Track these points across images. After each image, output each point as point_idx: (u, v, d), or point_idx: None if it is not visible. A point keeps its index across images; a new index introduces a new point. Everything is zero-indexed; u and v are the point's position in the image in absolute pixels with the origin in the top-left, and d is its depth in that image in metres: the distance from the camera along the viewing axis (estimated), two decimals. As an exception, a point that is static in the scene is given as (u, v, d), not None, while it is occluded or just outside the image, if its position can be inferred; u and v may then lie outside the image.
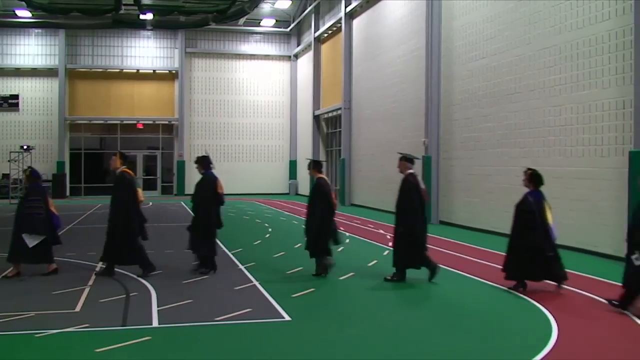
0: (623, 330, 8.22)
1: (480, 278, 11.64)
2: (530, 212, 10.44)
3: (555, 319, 8.62)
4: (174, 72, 40.86)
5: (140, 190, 12.03)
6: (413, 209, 11.30)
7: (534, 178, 10.77)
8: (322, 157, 36.97)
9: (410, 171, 11.57)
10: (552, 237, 10.51)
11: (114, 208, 11.97)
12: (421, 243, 11.37)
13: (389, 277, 11.41)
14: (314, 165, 12.33)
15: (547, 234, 10.43)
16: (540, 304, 9.52)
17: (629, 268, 9.08)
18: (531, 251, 10.35)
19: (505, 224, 17.82)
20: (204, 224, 12.16)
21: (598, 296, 9.99)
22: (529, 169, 10.96)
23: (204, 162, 12.59)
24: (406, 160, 11.74)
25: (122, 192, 11.91)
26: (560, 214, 15.32)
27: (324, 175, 12.31)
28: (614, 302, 9.28)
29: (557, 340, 7.61)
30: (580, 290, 10.60)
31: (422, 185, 11.61)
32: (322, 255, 11.91)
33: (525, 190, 10.78)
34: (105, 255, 11.84)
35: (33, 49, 39.39)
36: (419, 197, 11.40)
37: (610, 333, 8.09)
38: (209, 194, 12.31)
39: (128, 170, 12.15)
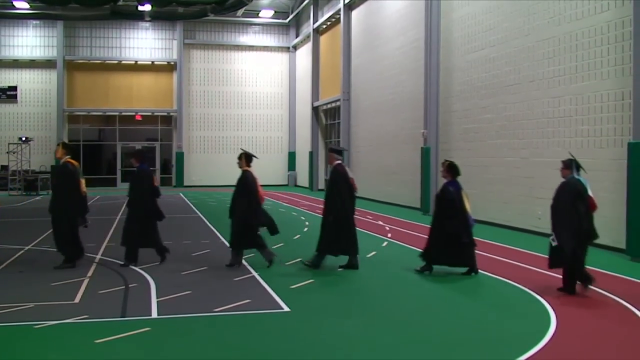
0: (621, 319, 8.23)
1: (480, 269, 11.64)
2: (450, 201, 11.10)
3: (553, 310, 8.64)
4: (172, 63, 40.81)
5: (83, 181, 11.97)
6: (342, 199, 11.55)
7: (451, 169, 11.46)
8: (320, 148, 36.95)
9: (338, 162, 11.79)
10: (470, 225, 11.13)
11: (56, 198, 11.91)
12: (352, 232, 11.70)
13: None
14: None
15: (465, 222, 11.05)
16: (538, 295, 9.53)
17: (549, 249, 9.84)
18: (450, 237, 10.94)
19: (503, 215, 17.89)
20: (139, 217, 12.00)
21: (596, 287, 10.00)
22: (447, 160, 11.73)
23: (139, 156, 12.38)
24: (333, 152, 12.03)
25: (65, 182, 11.85)
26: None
27: (249, 168, 12.24)
28: (560, 288, 9.78)
29: (555, 330, 7.63)
30: (578, 281, 10.59)
31: (351, 175, 11.80)
32: (242, 249, 11.99)
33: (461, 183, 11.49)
34: (56, 245, 11.93)
35: (31, 41, 39.34)
36: (349, 186, 11.64)
37: (609, 322, 8.11)
38: (145, 187, 12.08)
39: (72, 161, 12.11)
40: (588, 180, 9.95)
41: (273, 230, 12.16)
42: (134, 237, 11.98)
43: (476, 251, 11.30)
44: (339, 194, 11.59)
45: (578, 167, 10.15)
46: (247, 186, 11.91)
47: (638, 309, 8.68)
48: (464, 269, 11.24)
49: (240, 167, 12.25)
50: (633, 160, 12.85)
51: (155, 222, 12.32)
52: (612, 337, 7.51)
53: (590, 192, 9.83)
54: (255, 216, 11.86)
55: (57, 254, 11.97)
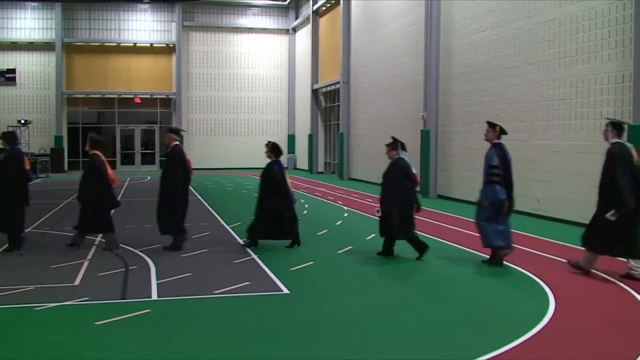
0: (619, 300, 8.26)
1: (478, 251, 11.66)
2: (275, 179, 11.87)
3: (552, 292, 8.66)
4: (171, 45, 40.68)
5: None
6: (174, 178, 11.66)
7: (275, 149, 12.19)
8: (320, 131, 36.91)
9: (176, 143, 11.91)
10: (292, 201, 12.05)
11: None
12: (181, 213, 11.83)
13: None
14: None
15: (288, 198, 11.94)
16: (538, 278, 9.55)
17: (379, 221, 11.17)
18: (274, 213, 11.75)
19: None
20: (9, 201, 11.56)
21: (595, 269, 10.02)
22: (270, 141, 12.38)
23: (9, 137, 11.91)
24: (171, 132, 12.14)
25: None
26: (559, 187, 15.36)
27: (98, 152, 11.97)
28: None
29: (554, 312, 7.65)
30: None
31: (188, 157, 11.92)
32: (88, 232, 12.01)
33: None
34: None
35: (30, 23, 39.19)
36: (184, 168, 11.78)
37: (608, 305, 8.13)
38: (14, 171, 11.56)
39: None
40: (412, 160, 11.32)
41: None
42: (17, 222, 11.73)
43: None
44: (174, 174, 11.67)
45: (403, 147, 11.40)
46: (94, 169, 11.80)
47: (635, 290, 8.70)
48: (287, 242, 12.05)
49: (87, 150, 12.11)
50: (633, 142, 12.79)
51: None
52: (610, 318, 7.53)
53: (414, 170, 11.18)
54: (106, 199, 11.84)
55: (57, 237, 11.97)
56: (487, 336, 6.83)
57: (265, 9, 42.12)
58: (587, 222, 14.56)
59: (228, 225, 14.96)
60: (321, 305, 8.13)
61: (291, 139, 42.16)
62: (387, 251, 11.29)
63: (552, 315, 7.54)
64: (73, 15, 39.61)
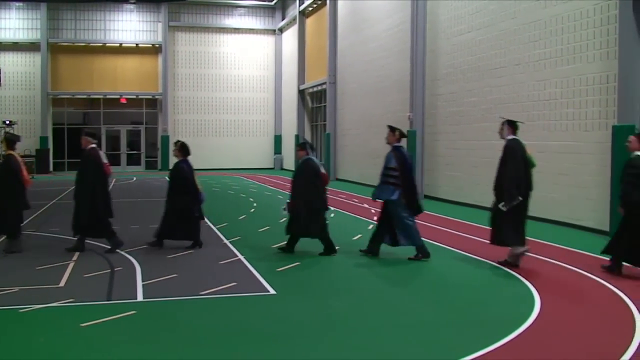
0: (605, 301, 8.31)
1: (464, 251, 11.70)
2: (184, 179, 11.90)
3: (537, 291, 8.70)
4: (157, 46, 40.54)
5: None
6: (90, 181, 11.55)
7: (183, 148, 12.22)
8: (306, 132, 36.92)
9: (92, 145, 11.85)
10: (201, 200, 12.11)
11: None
12: (104, 214, 11.72)
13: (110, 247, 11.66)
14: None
15: (197, 198, 12.00)
16: (523, 277, 9.59)
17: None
18: (182, 212, 11.80)
19: (489, 198, 17.90)
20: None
21: (580, 269, 10.09)
22: (178, 140, 12.54)
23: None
24: (87, 135, 12.05)
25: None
26: (544, 187, 15.42)
27: (13, 152, 11.95)
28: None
29: (540, 311, 7.70)
30: (563, 263, 10.69)
31: (105, 160, 11.83)
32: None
33: None
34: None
35: (14, 23, 38.94)
36: (101, 171, 11.69)
37: (593, 303, 8.18)
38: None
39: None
40: (322, 160, 11.14)
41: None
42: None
43: (466, 234, 11.31)
44: (87, 177, 11.55)
45: (311, 148, 11.82)
46: (9, 171, 11.74)
47: (620, 290, 8.76)
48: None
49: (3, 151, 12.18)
50: (618, 143, 12.90)
51: None
52: (596, 316, 7.58)
53: (322, 170, 11.62)
54: (19, 200, 11.83)
55: (42, 238, 11.92)
56: (473, 336, 6.84)
57: (252, 9, 42.07)
58: (571, 222, 14.70)
59: (214, 226, 14.92)
60: (307, 306, 8.13)
61: (277, 139, 42.11)
62: (290, 247, 11.58)
63: (538, 315, 7.57)
64: (58, 15, 39.40)
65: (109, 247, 11.63)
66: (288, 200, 11.59)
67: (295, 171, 11.74)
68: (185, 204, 11.81)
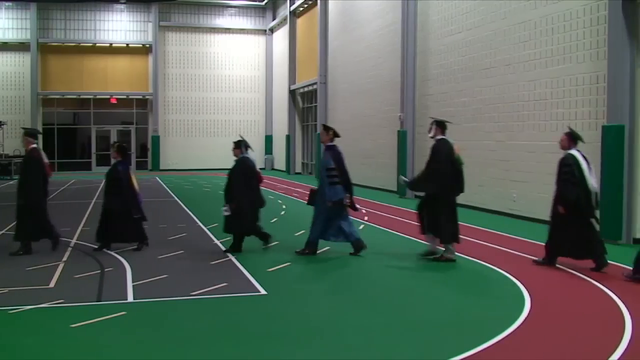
0: (596, 301, 8.34)
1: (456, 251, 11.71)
2: (118, 180, 11.71)
3: (528, 291, 8.72)
4: (147, 46, 40.46)
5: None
6: (36, 183, 11.51)
7: (121, 150, 12.10)
8: (297, 132, 36.91)
9: (33, 146, 11.81)
10: (139, 201, 11.98)
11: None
12: (42, 213, 11.71)
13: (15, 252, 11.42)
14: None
15: (134, 199, 11.86)
16: (514, 277, 9.61)
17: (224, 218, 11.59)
18: (119, 214, 11.57)
19: (479, 198, 17.98)
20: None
21: (570, 269, 10.12)
22: (115, 142, 12.55)
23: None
24: (29, 135, 12.00)
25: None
26: (535, 187, 15.47)
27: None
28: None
29: (530, 310, 7.73)
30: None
31: (46, 160, 11.81)
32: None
33: None
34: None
35: (4, 23, 38.81)
36: (43, 172, 11.63)
37: (583, 303, 8.21)
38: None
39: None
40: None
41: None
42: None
43: (463, 236, 11.32)
44: (33, 179, 11.47)
45: (247, 146, 11.89)
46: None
47: (610, 290, 8.79)
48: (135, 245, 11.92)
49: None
50: (607, 143, 12.96)
51: None
52: (585, 319, 7.60)
53: (258, 168, 11.90)
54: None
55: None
56: (463, 336, 6.85)
57: (243, 9, 42.02)
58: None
59: (205, 226, 14.90)
60: (298, 306, 8.12)
61: (268, 139, 42.09)
62: (238, 247, 11.62)
63: (528, 314, 7.59)
64: (48, 15, 39.26)
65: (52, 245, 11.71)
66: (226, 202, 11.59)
67: (231, 170, 11.80)
68: (120, 205, 11.60)
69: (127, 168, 12.03)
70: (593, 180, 10.15)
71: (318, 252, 11.63)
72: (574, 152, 10.25)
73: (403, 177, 10.83)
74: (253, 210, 11.66)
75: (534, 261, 10.65)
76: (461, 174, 10.90)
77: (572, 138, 10.40)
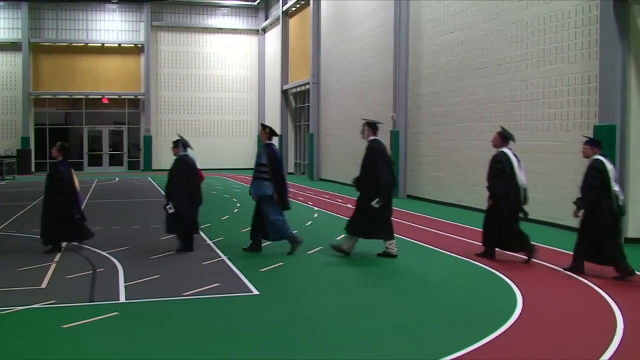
0: (587, 299, 8.37)
1: (447, 251, 11.74)
2: (60, 180, 11.54)
3: (519, 290, 8.75)
4: (139, 45, 40.37)
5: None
6: None
7: (62, 149, 11.90)
8: (290, 132, 36.91)
9: None
10: (79, 201, 11.89)
11: None
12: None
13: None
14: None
15: (75, 199, 11.70)
16: (506, 276, 9.64)
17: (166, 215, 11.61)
18: (61, 214, 11.42)
19: (471, 198, 18.02)
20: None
21: (562, 268, 10.16)
22: (59, 142, 12.21)
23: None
24: None
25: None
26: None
27: None
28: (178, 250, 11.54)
29: (522, 309, 7.75)
30: (545, 262, 10.75)
31: None
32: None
33: None
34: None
35: (-5, 22, 38.66)
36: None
37: (574, 302, 8.24)
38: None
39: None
40: (196, 156, 12.00)
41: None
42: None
43: (449, 234, 11.37)
44: None
45: (184, 145, 12.03)
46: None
47: (602, 289, 8.82)
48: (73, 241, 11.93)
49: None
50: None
51: None
52: (577, 317, 7.62)
53: (198, 166, 11.93)
54: None
55: (23, 239, 11.83)
56: (455, 335, 6.86)
57: (235, 9, 41.98)
58: (552, 221, 14.79)
59: (197, 226, 14.88)
60: (291, 306, 8.13)
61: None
62: (189, 246, 11.68)
63: (520, 313, 7.61)
64: (40, 15, 39.13)
65: None
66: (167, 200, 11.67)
67: (171, 169, 11.91)
68: (62, 205, 11.45)
69: (69, 168, 11.83)
70: (522, 177, 10.85)
71: (310, 252, 11.64)
72: (505, 150, 10.94)
73: (374, 203, 11.03)
74: (195, 210, 11.80)
75: (476, 254, 11.24)
76: (393, 173, 11.28)
77: (504, 137, 11.11)
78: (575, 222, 13.80)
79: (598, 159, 9.97)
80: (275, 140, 12.08)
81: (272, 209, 11.41)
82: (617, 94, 12.84)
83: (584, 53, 14.00)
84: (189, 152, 12.13)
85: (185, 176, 11.71)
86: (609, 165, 9.90)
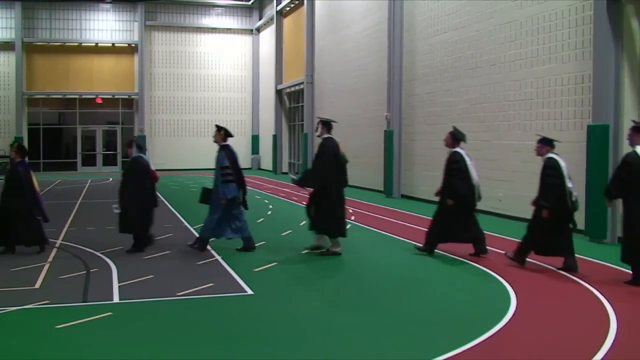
0: (581, 299, 8.38)
1: (441, 250, 11.74)
2: (19, 180, 11.43)
3: (513, 290, 8.76)
4: (133, 45, 40.28)
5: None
6: None
7: (20, 150, 11.87)
8: (284, 131, 36.90)
9: None
10: (40, 202, 11.69)
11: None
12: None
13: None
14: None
15: (36, 199, 11.60)
16: (500, 276, 9.65)
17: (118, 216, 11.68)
18: (19, 214, 11.29)
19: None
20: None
21: (556, 267, 10.17)
22: (16, 142, 12.17)
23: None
24: None
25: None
26: (520, 187, 15.52)
27: None
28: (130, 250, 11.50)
29: (516, 309, 7.77)
30: (539, 261, 10.76)
31: None
32: None
33: None
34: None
35: (-12, 22, 38.54)
36: None
37: (568, 302, 8.25)
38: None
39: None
40: (151, 156, 11.85)
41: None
42: None
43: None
44: None
45: (139, 147, 12.06)
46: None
47: (596, 288, 8.84)
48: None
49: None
50: (592, 142, 13.04)
51: None
52: (570, 317, 7.64)
53: (152, 167, 12.02)
54: None
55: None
56: (449, 335, 6.87)
57: (229, 9, 41.93)
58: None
59: (191, 226, 14.87)
60: (285, 306, 8.12)
61: (255, 139, 42.02)
62: (140, 247, 11.66)
63: (514, 313, 7.63)
64: (33, 14, 39.02)
65: None
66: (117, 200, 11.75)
67: (124, 170, 11.98)
68: (20, 206, 11.34)
69: (28, 168, 11.75)
70: (475, 175, 11.21)
71: (304, 251, 11.64)
72: (459, 149, 11.33)
73: (291, 175, 11.34)
74: (146, 211, 11.79)
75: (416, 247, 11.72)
76: (345, 170, 11.54)
77: (456, 137, 11.44)
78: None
79: (552, 157, 10.36)
80: (230, 141, 12.09)
81: (219, 208, 11.58)
82: (610, 93, 12.87)
83: (578, 53, 14.03)
84: (145, 152, 12.18)
85: (136, 177, 11.69)
86: (562, 163, 10.26)
